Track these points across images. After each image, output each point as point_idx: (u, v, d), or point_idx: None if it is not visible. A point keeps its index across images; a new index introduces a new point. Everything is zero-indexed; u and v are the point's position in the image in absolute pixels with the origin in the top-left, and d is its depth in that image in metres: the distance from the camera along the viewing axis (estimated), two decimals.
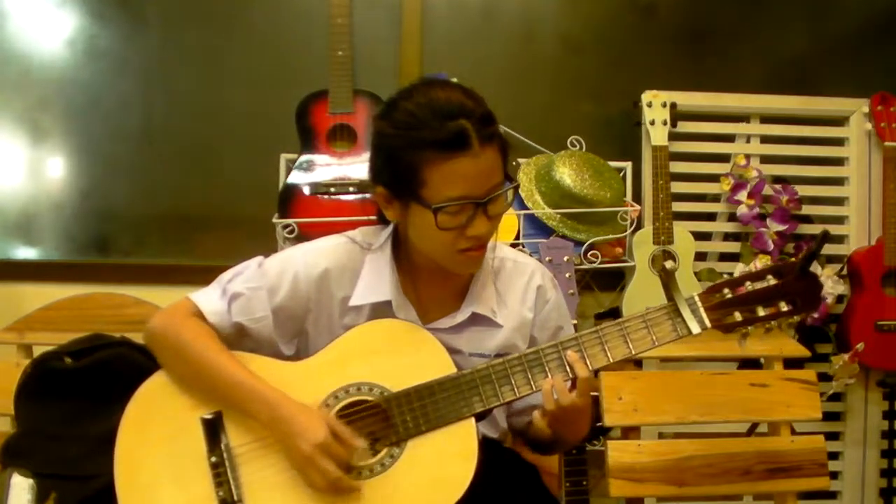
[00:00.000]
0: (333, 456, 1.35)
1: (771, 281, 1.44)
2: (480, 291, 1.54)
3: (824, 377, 2.46)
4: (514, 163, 2.51)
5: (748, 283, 1.44)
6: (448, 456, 1.38)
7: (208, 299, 1.51)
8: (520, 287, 1.58)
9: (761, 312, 1.43)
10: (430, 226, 1.37)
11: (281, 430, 1.38)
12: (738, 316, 1.43)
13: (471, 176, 1.36)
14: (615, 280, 2.62)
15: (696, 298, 1.44)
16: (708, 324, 1.43)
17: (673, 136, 2.60)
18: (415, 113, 1.37)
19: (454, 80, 1.99)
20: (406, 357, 1.44)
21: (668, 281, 1.44)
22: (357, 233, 1.58)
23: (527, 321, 1.58)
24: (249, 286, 1.50)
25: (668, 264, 1.30)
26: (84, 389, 1.65)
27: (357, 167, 2.45)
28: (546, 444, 1.57)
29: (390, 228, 1.55)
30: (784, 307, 1.43)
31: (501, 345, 1.54)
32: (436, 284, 1.53)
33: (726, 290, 1.44)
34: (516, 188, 1.45)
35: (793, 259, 1.61)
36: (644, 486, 1.97)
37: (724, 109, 2.69)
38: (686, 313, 1.42)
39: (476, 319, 1.53)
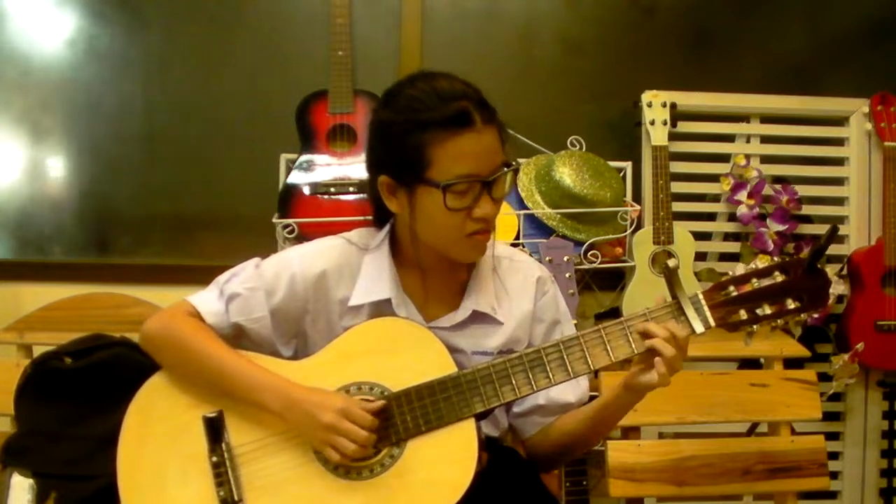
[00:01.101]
0: (355, 418, 1.35)
1: (778, 278, 1.41)
2: (480, 289, 1.54)
3: (824, 377, 2.46)
4: (513, 162, 2.50)
5: (754, 279, 1.41)
6: (448, 457, 1.38)
7: (206, 301, 1.51)
8: (518, 281, 1.58)
9: (767, 310, 1.40)
10: (437, 209, 1.38)
11: (296, 412, 1.38)
12: (743, 314, 1.40)
13: (476, 153, 1.39)
14: (615, 280, 2.62)
15: (700, 296, 1.41)
16: (712, 322, 1.40)
17: (673, 136, 2.60)
18: (419, 97, 1.40)
19: None
20: (407, 356, 1.44)
21: (671, 279, 1.41)
22: (353, 234, 1.58)
23: (528, 313, 1.57)
24: (247, 286, 1.50)
25: (672, 262, 1.28)
26: (84, 389, 1.65)
27: (357, 167, 2.44)
28: (562, 448, 1.57)
29: (386, 229, 1.55)
30: (791, 304, 1.40)
31: (504, 342, 1.53)
32: (435, 282, 1.53)
33: (731, 288, 1.41)
34: (516, 171, 1.47)
35: (801, 255, 1.60)
36: (644, 486, 1.97)
37: (724, 109, 2.69)
38: (690, 312, 1.40)
39: (477, 317, 1.53)
